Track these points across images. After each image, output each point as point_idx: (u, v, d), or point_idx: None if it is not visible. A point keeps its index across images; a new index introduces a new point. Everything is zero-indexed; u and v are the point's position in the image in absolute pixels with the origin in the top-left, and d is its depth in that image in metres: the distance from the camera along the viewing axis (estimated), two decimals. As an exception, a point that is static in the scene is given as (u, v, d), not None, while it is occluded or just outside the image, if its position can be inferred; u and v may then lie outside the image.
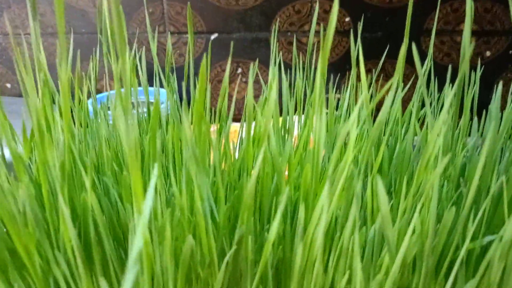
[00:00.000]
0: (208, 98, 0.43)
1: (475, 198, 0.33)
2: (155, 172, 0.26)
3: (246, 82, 1.19)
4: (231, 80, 1.14)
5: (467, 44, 0.27)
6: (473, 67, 0.44)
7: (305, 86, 0.51)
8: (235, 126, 0.56)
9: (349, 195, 0.31)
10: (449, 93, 0.29)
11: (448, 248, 0.32)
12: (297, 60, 0.49)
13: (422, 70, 0.41)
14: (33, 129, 0.32)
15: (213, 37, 1.08)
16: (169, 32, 1.10)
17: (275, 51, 0.45)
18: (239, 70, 1.13)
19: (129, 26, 1.10)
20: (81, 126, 0.40)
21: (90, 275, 0.28)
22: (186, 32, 1.13)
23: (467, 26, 0.31)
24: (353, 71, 0.42)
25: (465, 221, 0.30)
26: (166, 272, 0.31)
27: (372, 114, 0.36)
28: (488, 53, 1.06)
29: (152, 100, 0.49)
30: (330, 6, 1.06)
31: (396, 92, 0.38)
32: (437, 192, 0.29)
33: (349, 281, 0.31)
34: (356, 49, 0.36)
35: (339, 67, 1.09)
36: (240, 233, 0.32)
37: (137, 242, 0.21)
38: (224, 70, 1.19)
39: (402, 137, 0.42)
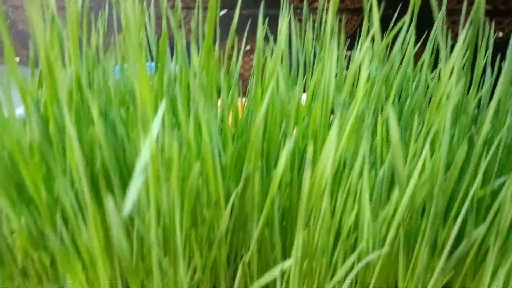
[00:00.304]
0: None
1: (487, 141, 0.32)
2: (162, 105, 0.25)
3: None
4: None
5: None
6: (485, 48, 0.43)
7: (315, 44, 0.50)
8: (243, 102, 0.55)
9: (359, 134, 0.31)
10: (465, 30, 0.29)
11: (458, 192, 0.32)
12: (308, 20, 0.49)
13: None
14: (41, 66, 0.32)
15: (222, 12, 1.07)
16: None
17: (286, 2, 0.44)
18: (248, 47, 1.12)
19: None
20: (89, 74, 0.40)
21: (97, 204, 0.28)
22: (195, 7, 1.12)
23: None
24: (365, 23, 0.41)
25: (477, 162, 0.29)
26: (173, 208, 0.30)
27: (382, 59, 0.36)
28: (500, 34, 1.04)
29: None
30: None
31: (409, 40, 0.38)
32: (449, 129, 0.28)
33: (357, 221, 0.31)
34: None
35: (350, 44, 1.08)
36: (247, 172, 0.32)
37: (144, 155, 0.21)
38: (232, 47, 1.18)
39: (413, 92, 0.41)
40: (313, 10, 1.05)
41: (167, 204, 0.30)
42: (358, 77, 0.32)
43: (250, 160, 0.32)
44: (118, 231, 0.24)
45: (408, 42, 0.38)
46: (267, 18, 0.46)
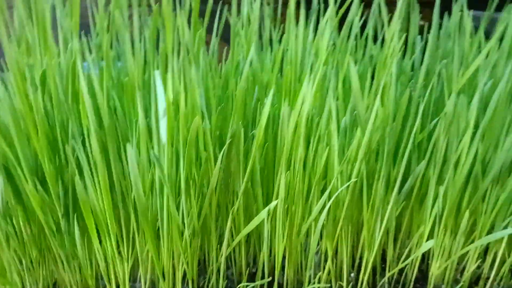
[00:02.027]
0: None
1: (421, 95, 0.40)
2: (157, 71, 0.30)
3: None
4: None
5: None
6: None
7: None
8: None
9: (323, 91, 0.37)
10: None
11: (403, 136, 0.39)
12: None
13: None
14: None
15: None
16: None
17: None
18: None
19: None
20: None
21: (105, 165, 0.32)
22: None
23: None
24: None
25: (417, 104, 0.37)
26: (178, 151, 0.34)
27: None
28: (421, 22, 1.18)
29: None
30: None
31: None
32: (395, 82, 0.35)
33: (327, 164, 0.37)
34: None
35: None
36: (233, 130, 0.37)
37: (161, 102, 0.26)
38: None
39: (361, 59, 0.48)
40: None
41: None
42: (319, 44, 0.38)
43: (234, 121, 0.37)
44: (135, 173, 0.28)
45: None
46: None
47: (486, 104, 0.37)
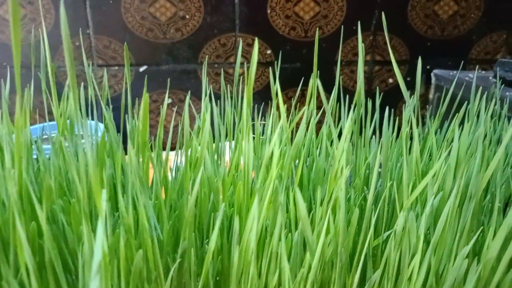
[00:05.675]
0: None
1: (376, 200, 0.40)
2: (103, 196, 0.29)
3: (177, 112, 1.23)
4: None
5: (360, 71, 0.35)
6: (378, 92, 0.53)
7: (234, 114, 0.57)
8: (170, 155, 0.60)
9: (275, 206, 0.37)
10: (349, 116, 0.37)
11: (357, 244, 0.39)
12: (225, 90, 0.55)
13: (332, 95, 0.49)
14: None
15: (142, 69, 1.11)
16: (97, 65, 1.11)
17: (206, 84, 0.50)
18: (169, 101, 1.17)
19: (54, 59, 1.10)
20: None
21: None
22: (114, 65, 1.15)
23: (360, 58, 0.39)
24: (274, 101, 0.49)
25: (368, 220, 0.37)
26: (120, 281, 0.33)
27: (291, 136, 0.43)
28: (391, 80, 1.21)
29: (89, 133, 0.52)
30: (253, 40, 1.15)
31: (309, 118, 0.45)
32: (345, 196, 0.35)
33: (280, 280, 0.37)
34: (276, 82, 0.43)
35: (264, 95, 1.18)
36: (183, 247, 0.36)
37: (97, 254, 0.25)
38: (154, 101, 1.22)
39: (318, 155, 0.49)
40: (229, 64, 1.13)
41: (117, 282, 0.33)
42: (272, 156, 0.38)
43: (185, 237, 0.36)
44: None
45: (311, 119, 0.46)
46: (186, 73, 0.51)
47: (436, 216, 0.37)
